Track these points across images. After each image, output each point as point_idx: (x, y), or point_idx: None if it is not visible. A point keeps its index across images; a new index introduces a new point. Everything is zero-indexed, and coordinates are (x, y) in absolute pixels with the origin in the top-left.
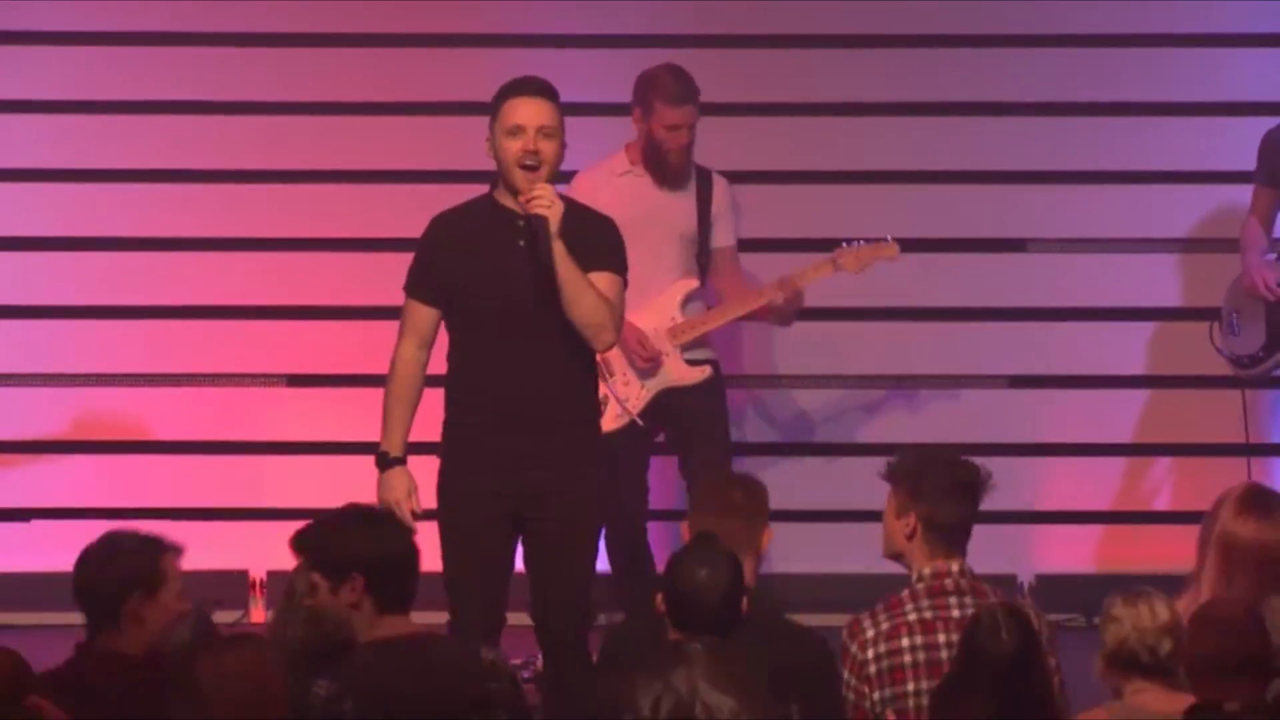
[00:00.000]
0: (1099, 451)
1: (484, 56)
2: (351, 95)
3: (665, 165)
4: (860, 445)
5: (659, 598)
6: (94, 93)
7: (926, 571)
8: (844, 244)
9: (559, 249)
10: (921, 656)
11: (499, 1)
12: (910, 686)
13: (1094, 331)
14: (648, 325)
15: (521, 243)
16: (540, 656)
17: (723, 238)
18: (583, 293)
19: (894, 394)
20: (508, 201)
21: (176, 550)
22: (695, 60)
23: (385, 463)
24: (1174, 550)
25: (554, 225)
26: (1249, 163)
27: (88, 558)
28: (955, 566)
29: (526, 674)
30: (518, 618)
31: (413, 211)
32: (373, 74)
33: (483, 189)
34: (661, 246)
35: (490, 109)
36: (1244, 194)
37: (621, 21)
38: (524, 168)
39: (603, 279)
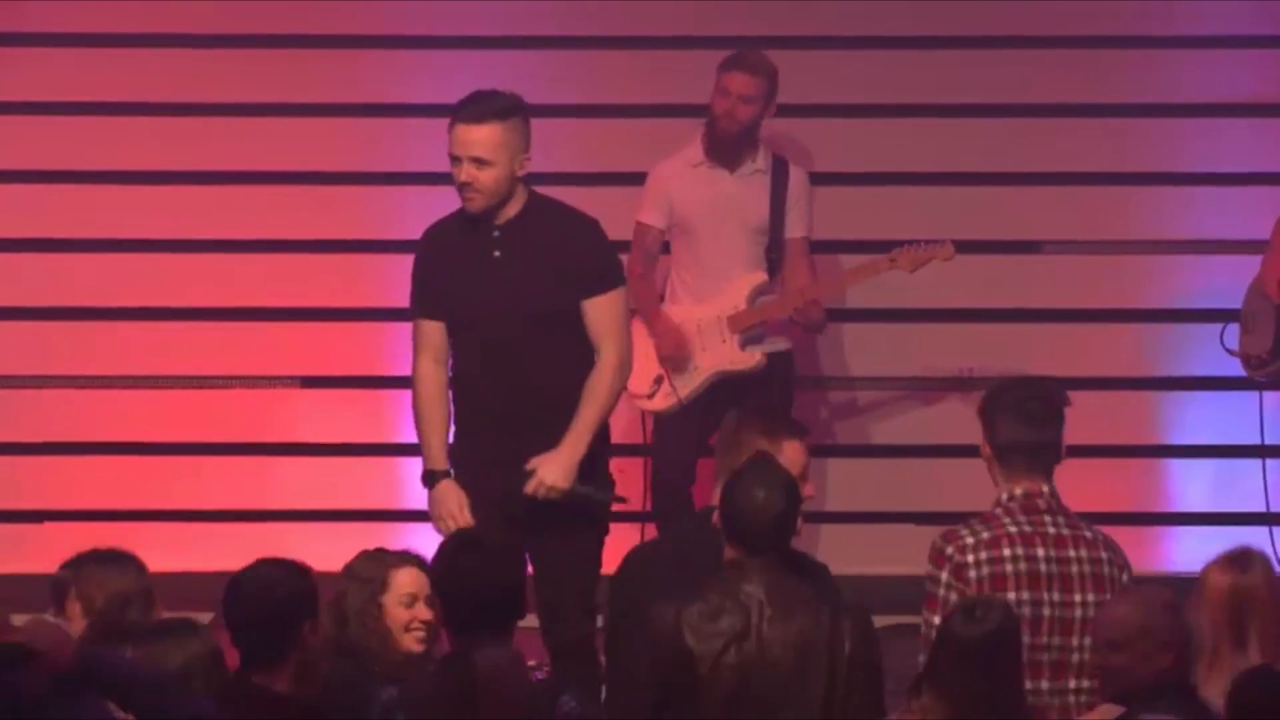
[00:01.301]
0: (1114, 453)
1: (501, 58)
2: (365, 97)
3: (713, 131)
4: (877, 447)
5: (715, 515)
6: (111, 94)
7: (1019, 491)
8: (904, 244)
9: (580, 458)
10: (1023, 567)
11: (512, 2)
12: (1013, 596)
13: (1108, 333)
14: (711, 312)
15: (497, 253)
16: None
17: (792, 228)
18: (603, 417)
19: (910, 395)
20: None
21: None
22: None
23: (433, 479)
24: (1190, 552)
25: (560, 491)
26: (1264, 164)
27: (253, 588)
28: (1045, 488)
29: (537, 675)
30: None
31: (428, 214)
32: (385, 76)
33: None
34: (730, 240)
35: None
36: (1260, 195)
37: (649, 23)
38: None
39: (603, 304)
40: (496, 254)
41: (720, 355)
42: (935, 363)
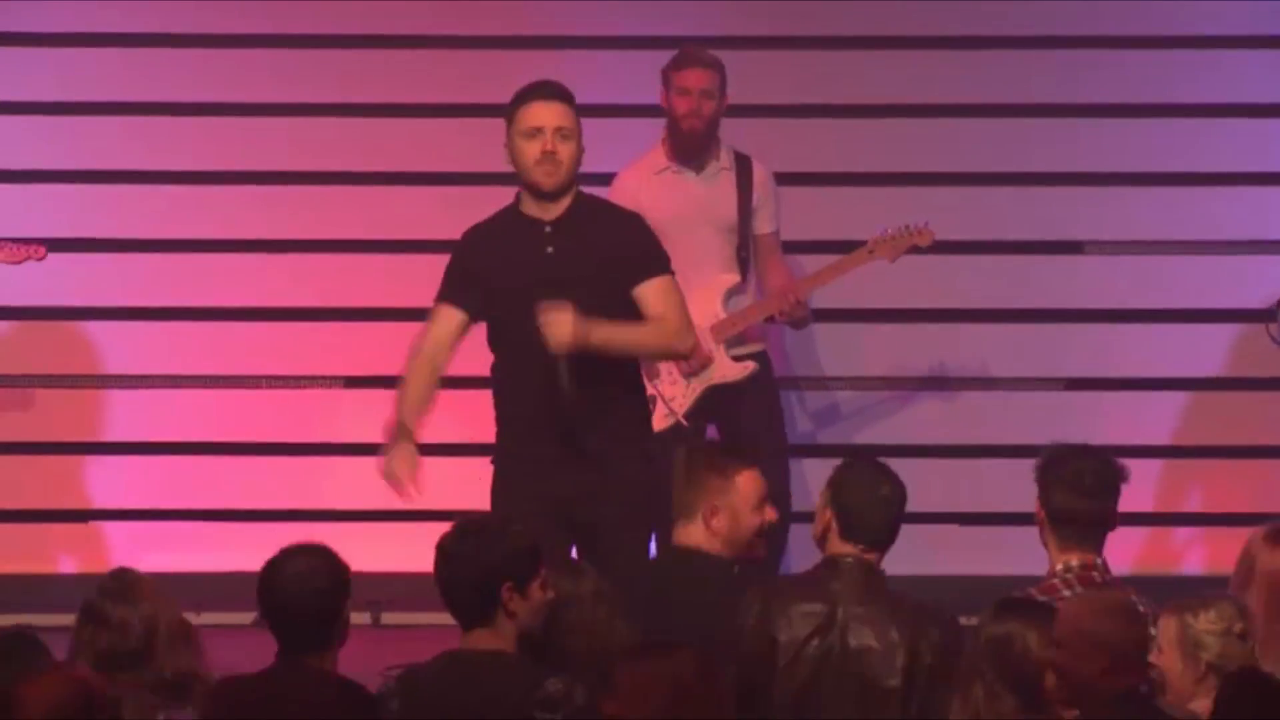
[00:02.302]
0: (1155, 454)
1: (532, 58)
2: (405, 97)
3: (679, 134)
4: (916, 447)
5: (825, 512)
6: (134, 94)
7: (1075, 563)
8: (878, 233)
9: (595, 340)
10: None
11: (530, 2)
12: None
13: (1152, 333)
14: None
15: (549, 249)
16: None
17: (763, 224)
18: (638, 344)
19: (949, 396)
20: (531, 210)
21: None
22: (762, 61)
23: (398, 432)
24: (1229, 553)
25: (564, 348)
26: None
27: (306, 579)
28: (1099, 561)
29: None
30: None
31: (471, 213)
32: (422, 75)
33: None
34: (703, 242)
35: (506, 114)
36: None
37: (649, 23)
38: (539, 165)
39: (655, 287)
40: (549, 250)
41: (712, 369)
42: (976, 363)
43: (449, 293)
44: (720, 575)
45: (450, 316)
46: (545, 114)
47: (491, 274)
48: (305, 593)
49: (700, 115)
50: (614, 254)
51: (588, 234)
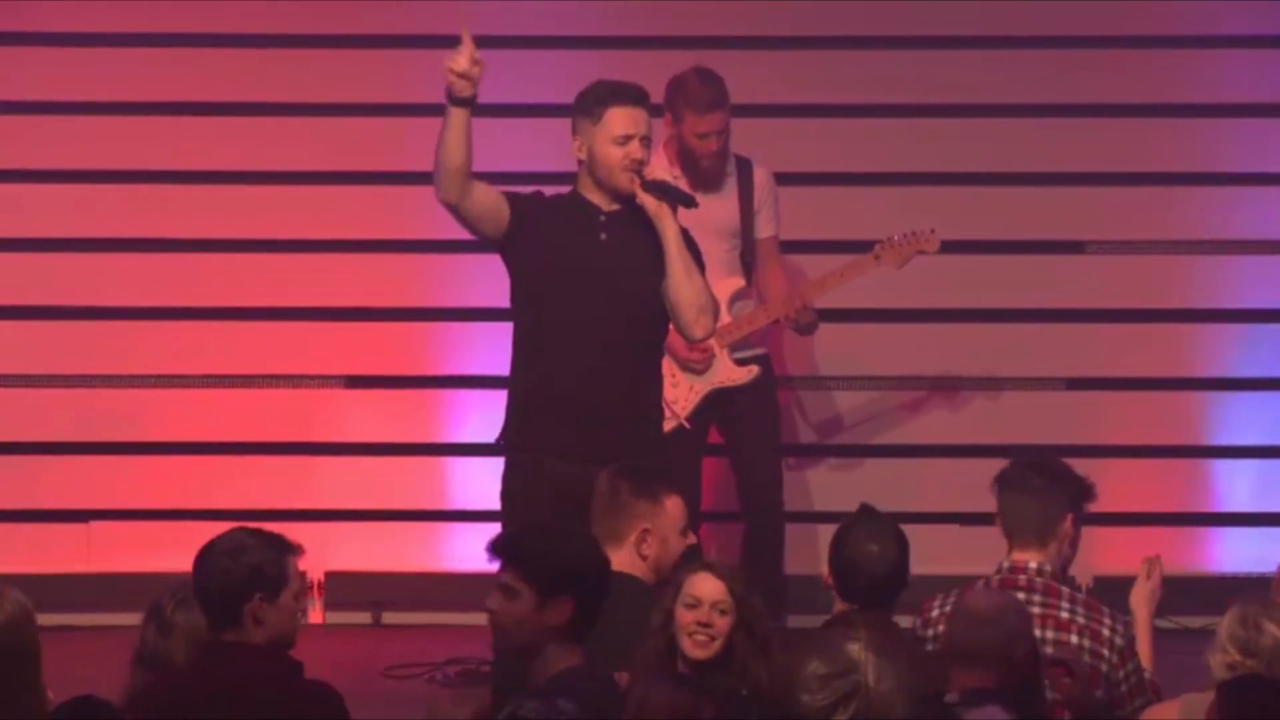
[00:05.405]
0: (1157, 453)
1: (531, 58)
2: (405, 97)
3: (699, 170)
4: (918, 447)
5: (825, 569)
6: (147, 94)
7: (1005, 564)
8: (885, 239)
9: (674, 229)
10: None
11: (531, 2)
12: None
13: (1152, 333)
14: None
15: (603, 236)
16: None
17: (763, 228)
18: (692, 272)
19: (951, 396)
20: (591, 196)
21: (298, 550)
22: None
23: None
24: (1231, 553)
25: (654, 179)
26: None
27: (210, 557)
28: (1034, 564)
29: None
30: None
31: None
32: (423, 75)
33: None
34: (707, 248)
35: (581, 109)
36: None
37: (650, 23)
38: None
39: None
40: (603, 237)
41: (715, 372)
42: (975, 363)
43: (511, 195)
44: (647, 602)
45: (499, 197)
46: (637, 121)
47: (549, 231)
48: (216, 567)
49: (721, 153)
50: (657, 252)
51: (636, 230)
